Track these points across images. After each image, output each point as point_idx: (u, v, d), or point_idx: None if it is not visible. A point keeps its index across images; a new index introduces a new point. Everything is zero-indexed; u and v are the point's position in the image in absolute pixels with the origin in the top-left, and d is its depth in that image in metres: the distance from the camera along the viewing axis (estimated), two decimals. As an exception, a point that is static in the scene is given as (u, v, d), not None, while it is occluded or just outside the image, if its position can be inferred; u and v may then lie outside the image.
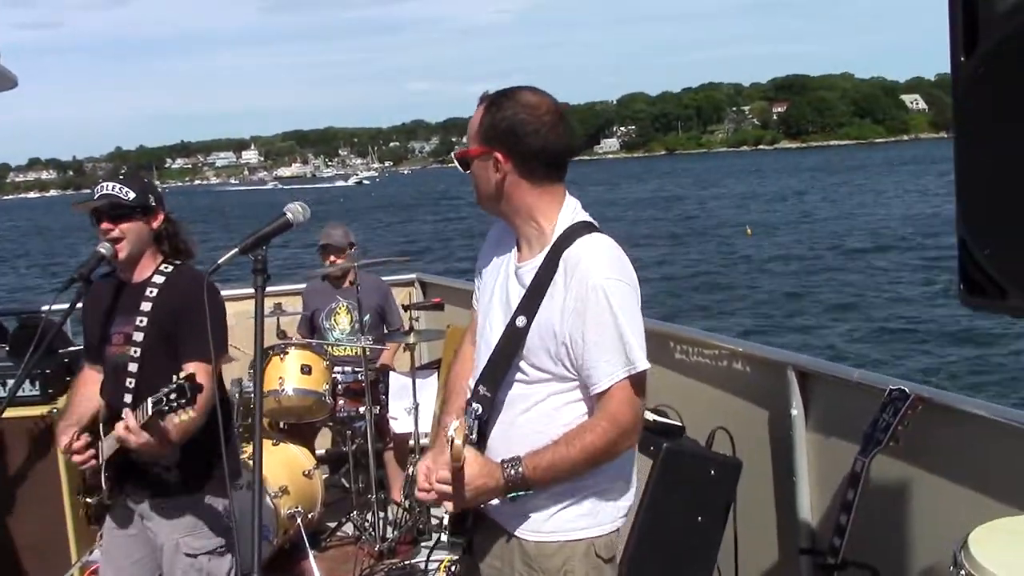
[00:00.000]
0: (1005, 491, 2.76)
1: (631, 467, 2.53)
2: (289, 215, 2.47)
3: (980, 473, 2.90)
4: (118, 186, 3.17)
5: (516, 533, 2.42)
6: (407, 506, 5.32)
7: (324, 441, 6.24)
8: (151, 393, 2.88)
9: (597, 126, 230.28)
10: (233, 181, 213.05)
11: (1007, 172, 2.03)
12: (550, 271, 2.33)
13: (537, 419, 2.37)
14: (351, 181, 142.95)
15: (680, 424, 3.77)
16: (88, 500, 3.29)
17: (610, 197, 66.74)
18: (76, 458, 3.12)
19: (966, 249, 2.16)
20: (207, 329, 2.88)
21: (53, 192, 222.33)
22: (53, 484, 4.82)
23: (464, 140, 2.44)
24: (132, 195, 3.16)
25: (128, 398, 3.11)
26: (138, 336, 3.16)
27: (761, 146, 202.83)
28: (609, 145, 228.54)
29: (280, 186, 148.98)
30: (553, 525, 2.40)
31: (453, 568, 4.44)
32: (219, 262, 2.44)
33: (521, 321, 2.34)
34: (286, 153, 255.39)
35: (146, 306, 3.17)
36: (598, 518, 2.43)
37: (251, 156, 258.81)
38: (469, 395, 2.45)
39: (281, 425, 5.60)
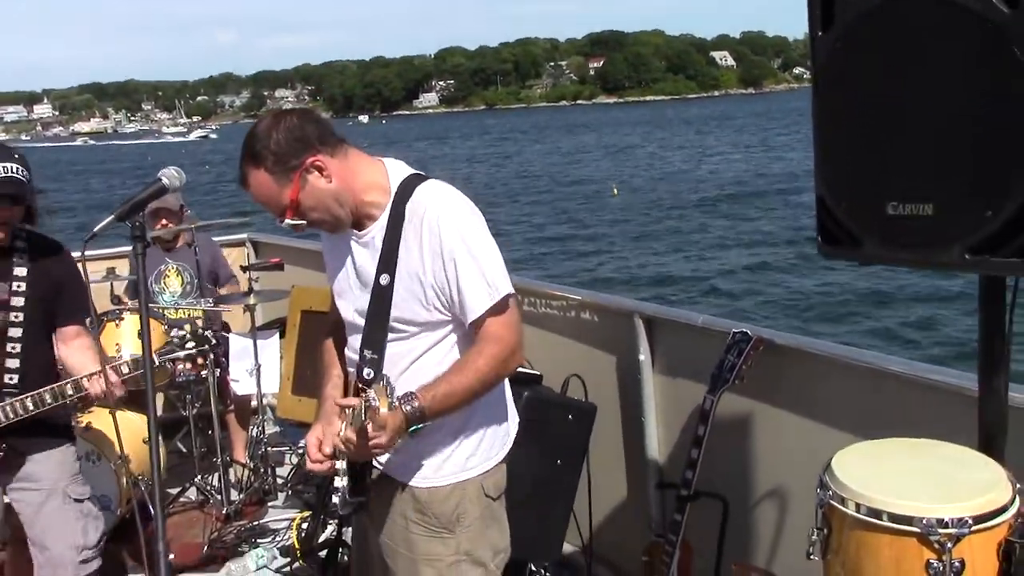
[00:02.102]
0: (842, 422, 2.97)
1: (506, 400, 2.62)
2: (164, 180, 2.40)
3: (819, 406, 3.10)
4: (16, 166, 3.05)
5: (409, 483, 2.47)
6: (252, 467, 5.22)
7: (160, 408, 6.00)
8: (39, 358, 3.13)
9: (415, 80, 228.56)
10: (24, 137, 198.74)
11: (861, 136, 2.24)
12: (397, 226, 2.36)
13: (423, 372, 2.39)
14: (194, 135, 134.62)
15: (538, 373, 3.85)
16: None
17: (437, 153, 65.98)
18: None
19: (824, 205, 2.36)
20: (85, 291, 2.87)
21: None
22: None
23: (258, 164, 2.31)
24: (28, 175, 3.07)
25: (13, 363, 3.13)
26: (16, 301, 3.14)
27: (579, 101, 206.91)
28: (428, 100, 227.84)
29: (92, 142, 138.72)
30: (443, 470, 2.47)
31: (304, 525, 4.41)
32: (95, 230, 2.34)
33: (384, 279, 2.37)
34: (83, 107, 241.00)
35: (19, 271, 3.14)
36: (483, 456, 2.52)
37: (44, 110, 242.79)
38: (357, 362, 2.46)
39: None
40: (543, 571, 4.15)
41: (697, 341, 3.60)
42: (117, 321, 4.93)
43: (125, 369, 3.16)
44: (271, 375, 5.20)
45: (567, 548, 4.17)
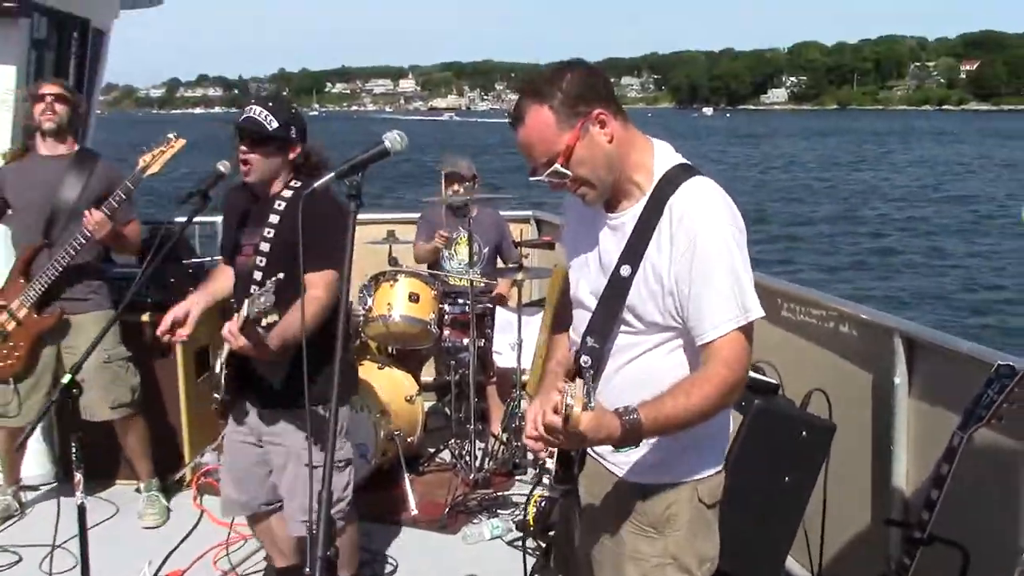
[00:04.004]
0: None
1: (729, 412, 2.49)
2: (387, 143, 2.45)
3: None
4: (264, 112, 3.28)
5: (621, 476, 2.41)
6: (504, 439, 5.36)
7: (431, 371, 6.34)
8: (280, 305, 2.98)
9: (765, 74, 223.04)
10: (388, 109, 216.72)
11: None
12: (654, 218, 2.22)
13: (641, 368, 2.32)
14: None
15: (776, 383, 3.63)
16: (216, 395, 3.46)
17: (790, 151, 62.37)
18: (160, 329, 3.32)
19: None
20: (327, 240, 2.96)
21: (217, 109, 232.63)
22: (171, 387, 5.11)
23: (549, 149, 2.19)
24: (275, 125, 3.27)
25: None
26: (264, 247, 3.32)
27: (946, 106, 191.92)
28: (776, 95, 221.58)
29: (457, 118, 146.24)
30: (658, 469, 2.37)
31: (543, 503, 4.45)
32: (314, 185, 2.42)
33: (626, 270, 2.25)
34: (443, 84, 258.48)
35: (274, 218, 3.33)
36: (702, 462, 2.40)
37: (408, 85, 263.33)
38: (577, 347, 2.39)
39: (390, 350, 5.70)
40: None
41: (962, 370, 3.22)
42: (392, 282, 5.25)
43: (234, 325, 3.04)
44: (532, 351, 5.29)
45: (798, 570, 3.93)
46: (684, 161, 2.31)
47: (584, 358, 2.32)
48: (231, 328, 3.07)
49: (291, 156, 3.35)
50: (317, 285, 3.17)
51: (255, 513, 3.68)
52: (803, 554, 3.66)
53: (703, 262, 2.15)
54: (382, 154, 2.46)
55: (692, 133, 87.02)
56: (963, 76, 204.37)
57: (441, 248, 5.75)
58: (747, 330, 2.18)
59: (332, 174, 2.42)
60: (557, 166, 2.19)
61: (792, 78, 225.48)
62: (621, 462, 2.39)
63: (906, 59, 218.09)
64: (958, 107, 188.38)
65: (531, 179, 2.28)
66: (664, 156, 2.30)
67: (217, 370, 3.40)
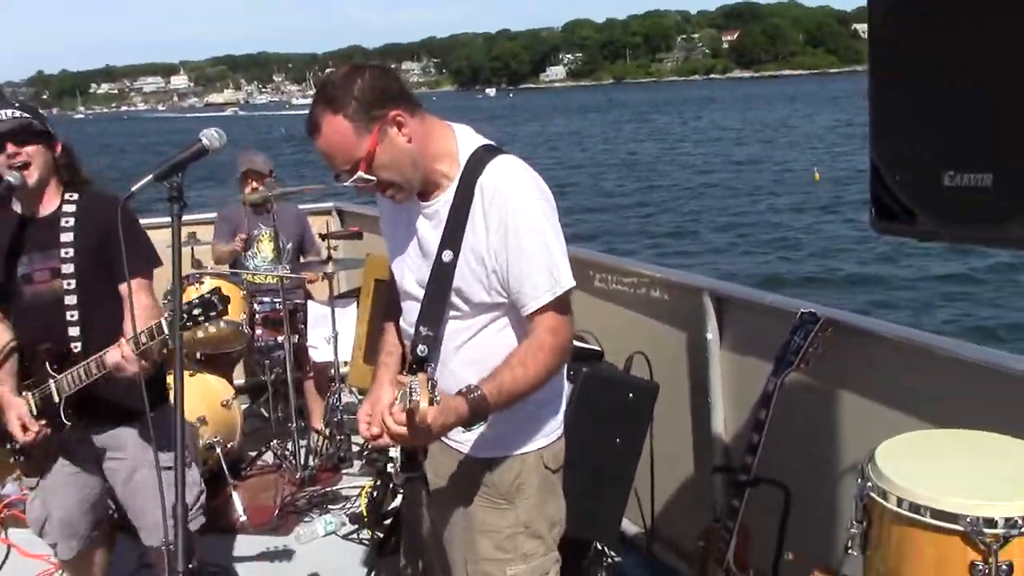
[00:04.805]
0: (910, 408, 2.79)
1: (562, 378, 2.54)
2: (205, 140, 2.34)
3: (886, 392, 2.91)
4: (18, 112, 3.02)
5: (468, 452, 2.43)
6: (327, 434, 5.27)
7: (242, 373, 6.15)
8: (102, 321, 2.96)
9: (542, 53, 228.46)
10: (161, 108, 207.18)
11: (918, 102, 2.04)
12: (466, 201, 2.26)
13: (476, 349, 2.35)
14: None
15: (599, 349, 3.74)
16: (18, 454, 3.18)
17: (579, 128, 63.66)
18: (27, 436, 3.03)
19: (878, 176, 2.17)
20: (141, 245, 2.89)
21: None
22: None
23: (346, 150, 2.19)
24: (35, 121, 3.03)
25: (74, 331, 3.05)
26: (67, 268, 3.06)
27: (713, 75, 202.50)
28: (555, 73, 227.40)
29: (240, 112, 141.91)
30: (504, 442, 2.41)
31: (375, 493, 4.41)
32: (133, 188, 2.30)
33: (447, 256, 2.28)
34: (218, 79, 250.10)
35: (66, 236, 3.06)
36: (544, 429, 2.46)
37: (180, 82, 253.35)
38: (412, 337, 2.39)
39: (198, 356, 5.47)
40: (606, 549, 4.06)
41: (767, 321, 3.42)
42: (197, 285, 5.03)
43: (143, 339, 2.88)
44: (349, 343, 5.22)
45: (630, 528, 4.08)
46: (487, 142, 2.35)
47: (420, 347, 2.35)
48: (126, 355, 2.88)
49: (56, 153, 3.10)
50: (145, 291, 3.05)
51: (79, 552, 3.44)
52: (634, 511, 3.79)
53: (517, 237, 2.21)
54: (200, 152, 2.36)
55: (479, 115, 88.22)
56: (726, 46, 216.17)
57: (239, 250, 5.56)
58: (565, 298, 2.27)
59: (150, 176, 2.29)
60: (360, 173, 2.19)
61: (568, 55, 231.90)
62: (467, 440, 2.41)
63: (672, 32, 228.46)
64: (724, 76, 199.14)
65: (336, 183, 2.29)
66: (467, 140, 2.33)
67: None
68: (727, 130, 54.11)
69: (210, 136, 2.35)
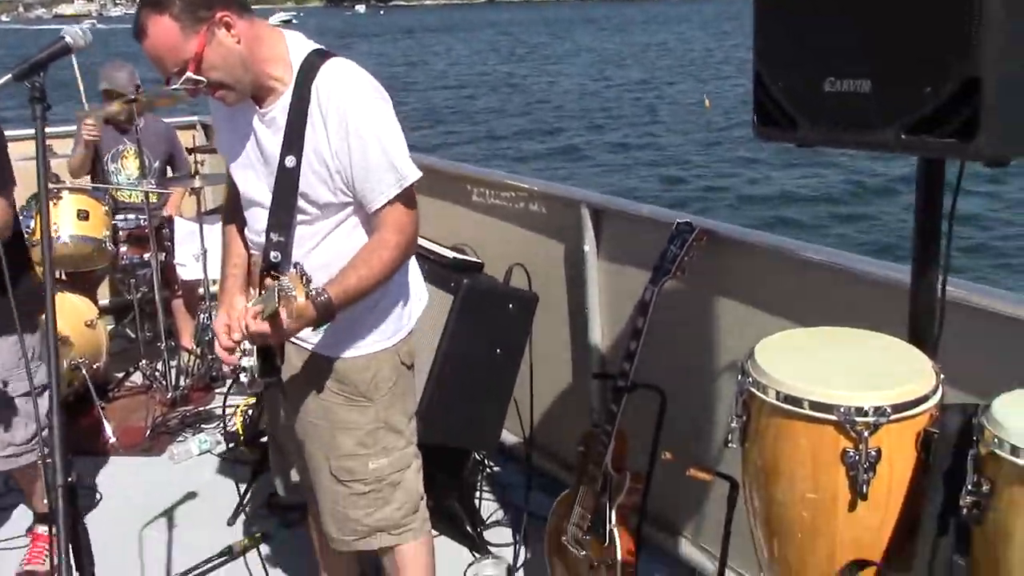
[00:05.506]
0: (780, 311, 2.92)
1: (411, 273, 2.61)
2: (68, 38, 2.22)
3: (760, 299, 3.04)
4: None
5: (325, 354, 2.48)
6: (199, 353, 5.16)
7: (106, 293, 5.92)
8: None
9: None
10: (5, 18, 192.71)
11: (802, 12, 2.11)
12: (303, 105, 2.28)
13: (326, 251, 2.39)
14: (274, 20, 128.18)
15: (480, 261, 3.77)
16: None
17: (466, 50, 61.43)
18: None
19: (761, 83, 2.24)
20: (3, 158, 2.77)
21: None
22: None
23: (170, 65, 2.20)
24: None
25: None
26: None
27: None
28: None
29: (99, 26, 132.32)
30: (358, 341, 2.49)
31: (250, 412, 4.36)
32: None
33: (291, 161, 2.30)
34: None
35: None
36: (398, 327, 2.55)
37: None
38: (262, 246, 2.39)
39: (59, 274, 5.23)
40: (485, 460, 4.15)
41: (643, 232, 3.50)
42: (55, 201, 4.80)
43: None
44: (217, 260, 5.07)
45: (509, 438, 4.17)
46: (318, 46, 2.38)
47: (273, 253, 2.37)
48: None
49: None
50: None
51: None
52: (513, 421, 3.88)
53: (358, 136, 2.26)
54: (64, 50, 2.25)
55: (352, 32, 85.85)
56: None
57: (90, 151, 5.28)
58: (409, 193, 2.34)
59: (9, 75, 2.17)
60: (189, 74, 2.20)
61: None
62: (323, 343, 2.47)
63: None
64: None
65: (167, 89, 2.31)
66: (298, 45, 2.35)
67: None
68: (608, 52, 53.92)
69: (74, 33, 2.23)
